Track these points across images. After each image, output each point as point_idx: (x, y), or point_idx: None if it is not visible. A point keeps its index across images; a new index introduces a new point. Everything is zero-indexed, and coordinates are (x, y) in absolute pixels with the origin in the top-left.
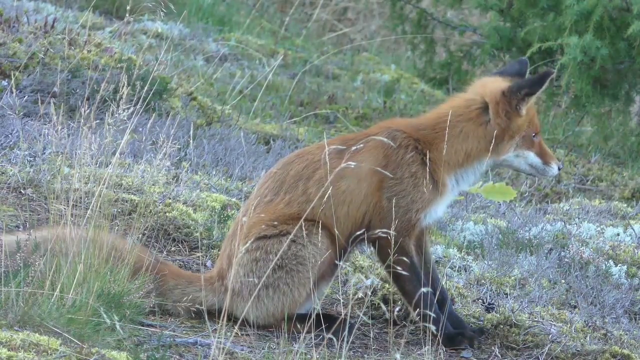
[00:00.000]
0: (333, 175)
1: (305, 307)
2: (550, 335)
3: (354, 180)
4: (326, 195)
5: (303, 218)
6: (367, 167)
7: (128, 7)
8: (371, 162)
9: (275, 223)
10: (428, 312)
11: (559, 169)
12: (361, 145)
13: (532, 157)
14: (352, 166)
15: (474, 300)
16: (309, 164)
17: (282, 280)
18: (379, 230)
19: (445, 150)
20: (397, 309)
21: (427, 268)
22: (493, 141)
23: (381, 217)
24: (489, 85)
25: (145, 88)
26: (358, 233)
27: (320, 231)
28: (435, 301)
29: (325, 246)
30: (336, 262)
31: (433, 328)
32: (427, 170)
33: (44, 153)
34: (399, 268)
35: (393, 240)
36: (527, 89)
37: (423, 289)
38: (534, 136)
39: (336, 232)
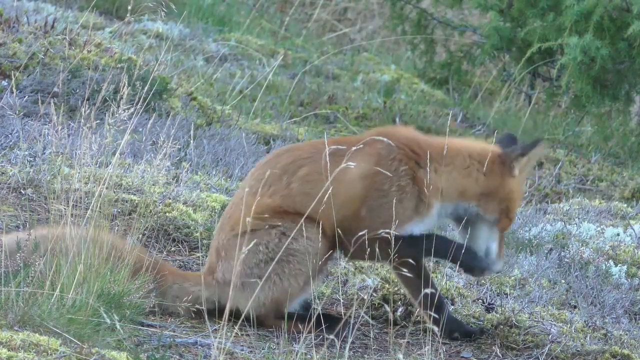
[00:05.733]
0: (320, 174)
1: (300, 300)
2: (550, 335)
3: (338, 184)
4: (307, 191)
5: (304, 216)
6: (354, 172)
7: (130, 7)
8: (361, 169)
9: (262, 214)
10: (429, 312)
11: (498, 271)
12: (356, 149)
13: (494, 240)
14: (340, 168)
15: (474, 300)
16: (295, 159)
17: (273, 271)
18: (383, 230)
19: (449, 179)
20: (399, 309)
21: (427, 272)
22: (484, 195)
23: (357, 226)
24: (493, 147)
25: (146, 88)
26: (360, 233)
27: (310, 224)
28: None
29: (316, 238)
30: (332, 257)
31: (435, 329)
32: (417, 188)
33: (44, 153)
34: (404, 270)
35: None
36: (520, 150)
37: (425, 290)
38: (506, 224)
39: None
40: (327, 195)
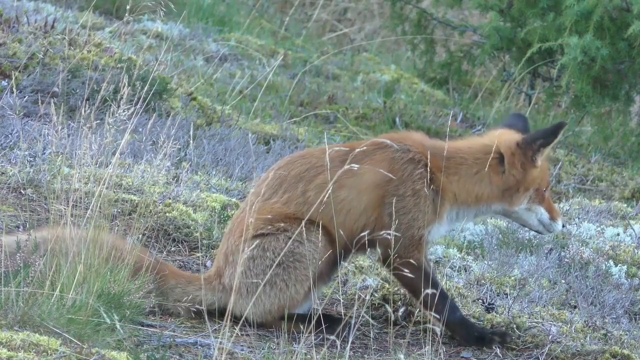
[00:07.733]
0: (334, 182)
1: (304, 307)
2: (550, 336)
3: (354, 192)
4: (322, 198)
5: (305, 219)
6: (369, 180)
7: (128, 7)
8: (375, 175)
9: (273, 221)
10: (434, 313)
11: (563, 226)
12: (368, 156)
13: (542, 211)
14: (354, 175)
15: (474, 300)
16: (311, 167)
17: (279, 277)
18: (384, 232)
19: (458, 187)
20: (401, 309)
21: (434, 277)
22: (507, 191)
23: (382, 231)
24: (504, 136)
25: (145, 88)
26: (363, 234)
27: (318, 230)
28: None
29: (323, 244)
30: (336, 263)
31: (437, 330)
32: (431, 191)
33: (44, 153)
34: (411, 275)
35: (395, 250)
36: (542, 139)
37: (428, 290)
38: (544, 190)
39: (340, 233)
40: (340, 203)
